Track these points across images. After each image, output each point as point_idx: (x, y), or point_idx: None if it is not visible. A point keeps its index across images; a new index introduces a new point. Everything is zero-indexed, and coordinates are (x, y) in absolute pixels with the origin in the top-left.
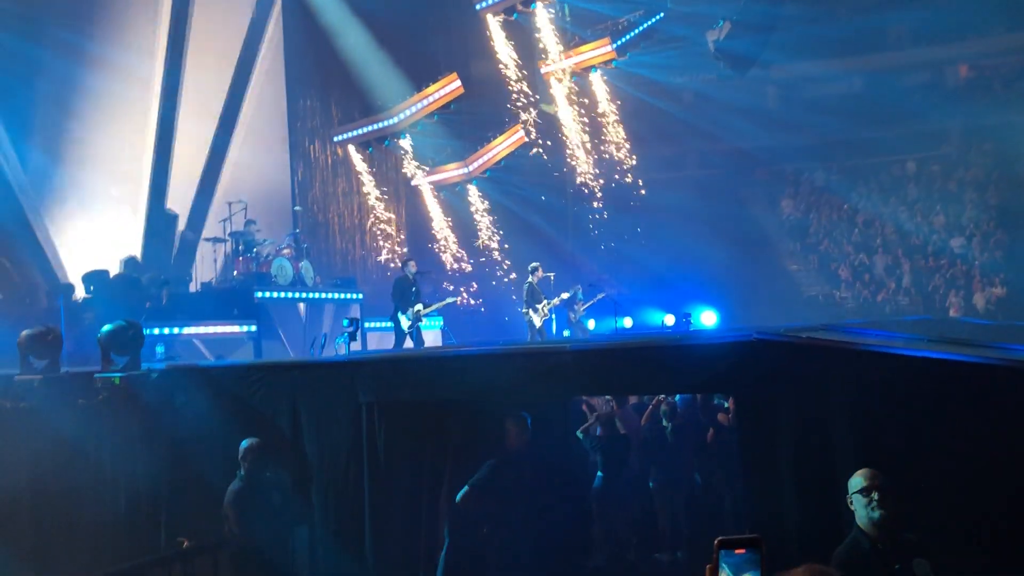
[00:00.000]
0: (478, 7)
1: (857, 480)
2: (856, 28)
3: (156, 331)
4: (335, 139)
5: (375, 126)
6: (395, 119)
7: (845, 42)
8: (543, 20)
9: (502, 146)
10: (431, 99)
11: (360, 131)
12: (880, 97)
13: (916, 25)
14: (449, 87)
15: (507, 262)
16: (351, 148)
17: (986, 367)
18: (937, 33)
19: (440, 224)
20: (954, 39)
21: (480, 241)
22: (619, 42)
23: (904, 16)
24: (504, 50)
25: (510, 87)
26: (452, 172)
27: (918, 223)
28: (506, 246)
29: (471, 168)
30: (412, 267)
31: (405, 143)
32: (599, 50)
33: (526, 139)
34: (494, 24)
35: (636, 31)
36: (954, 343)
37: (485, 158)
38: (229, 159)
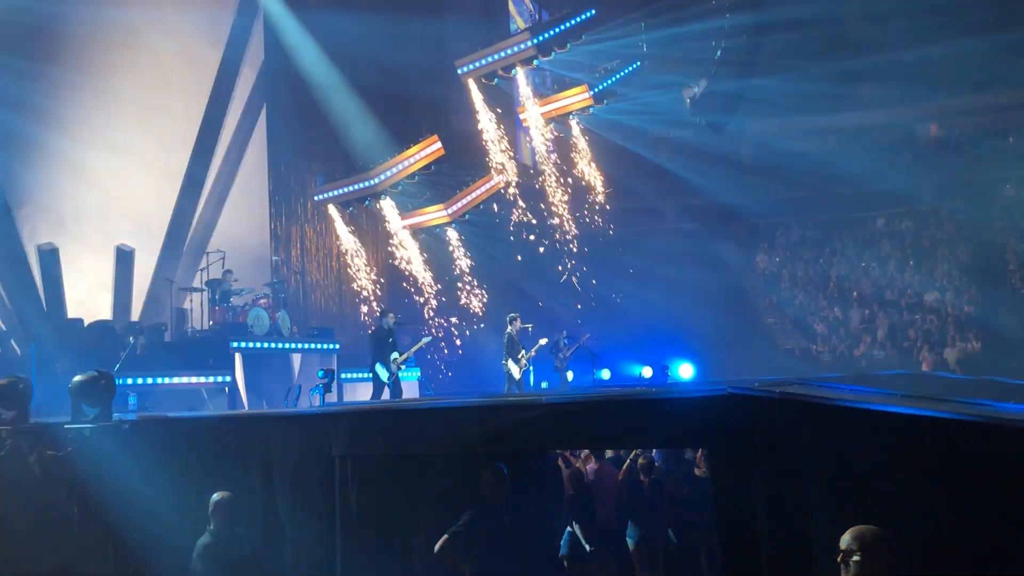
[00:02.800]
0: (460, 71)
1: (844, 539)
2: (830, 87)
3: (129, 381)
4: (315, 198)
5: (355, 187)
6: (375, 180)
7: (819, 100)
8: (523, 85)
9: (480, 190)
10: (412, 160)
11: (340, 191)
12: (853, 154)
13: (888, 85)
14: (430, 149)
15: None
16: (331, 207)
17: (960, 423)
18: (908, 93)
19: (420, 272)
20: (924, 99)
21: (459, 290)
22: (597, 89)
23: (876, 76)
24: (484, 112)
25: (489, 144)
26: (432, 215)
27: (892, 278)
28: (484, 295)
29: (451, 211)
30: (391, 319)
31: (386, 203)
32: (577, 96)
33: (503, 184)
34: (475, 88)
35: (613, 78)
36: (928, 399)
37: (464, 201)
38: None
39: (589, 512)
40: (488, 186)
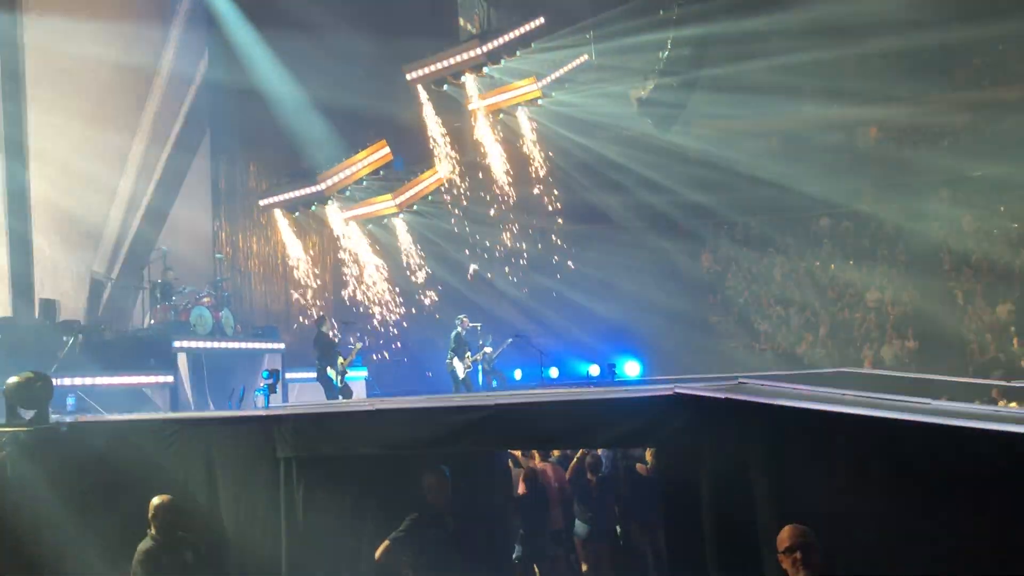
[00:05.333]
0: (409, 77)
1: (782, 538)
2: (773, 88)
3: (68, 382)
4: (261, 203)
5: (301, 192)
6: (322, 186)
7: (762, 102)
8: (473, 90)
9: (428, 181)
10: (359, 166)
11: (286, 196)
12: (795, 155)
13: (829, 87)
14: (378, 154)
15: (437, 315)
16: (277, 212)
17: (899, 423)
18: (848, 95)
19: (368, 271)
20: (864, 102)
21: (408, 288)
22: (544, 80)
23: (817, 78)
24: (432, 116)
25: (437, 145)
26: (379, 205)
27: (833, 277)
28: (433, 293)
29: (398, 201)
30: (325, 325)
31: (332, 207)
32: (525, 88)
33: (450, 177)
34: (424, 92)
35: (561, 71)
36: (868, 399)
37: (412, 192)
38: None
39: (542, 512)
40: (435, 178)
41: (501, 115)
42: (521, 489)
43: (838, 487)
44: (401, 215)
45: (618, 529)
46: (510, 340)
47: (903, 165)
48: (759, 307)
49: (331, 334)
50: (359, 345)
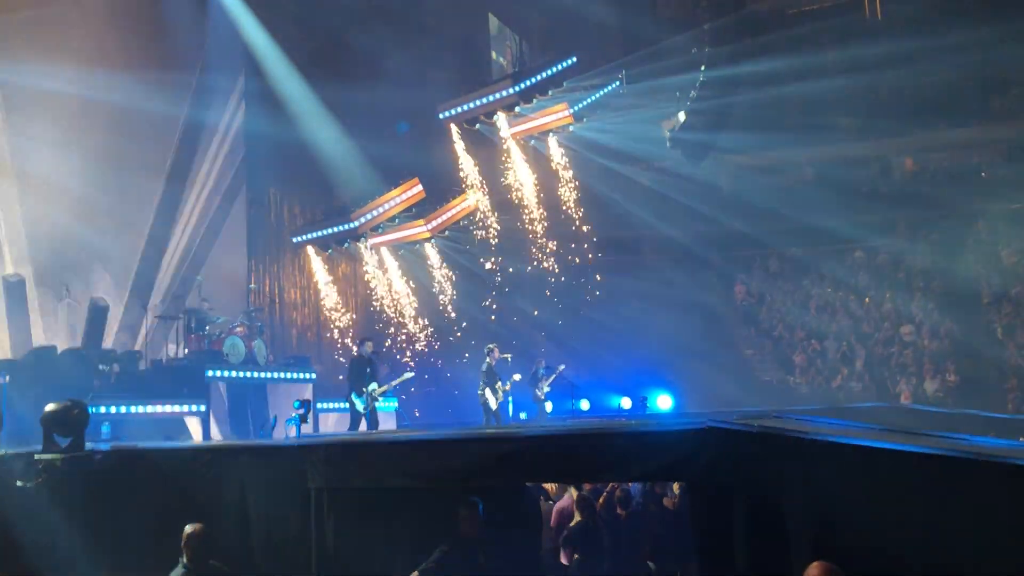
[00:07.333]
0: (441, 116)
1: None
2: (807, 120)
3: (103, 409)
4: (294, 239)
5: (334, 229)
6: (356, 223)
7: (796, 133)
8: (505, 129)
9: (459, 208)
10: (392, 203)
11: (319, 234)
12: (830, 187)
13: (863, 119)
14: (410, 192)
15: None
16: (309, 248)
17: (937, 458)
18: (884, 127)
19: (400, 299)
20: (900, 133)
21: (438, 318)
22: (576, 107)
23: (852, 109)
24: (466, 156)
25: (470, 177)
26: (412, 230)
27: (869, 310)
28: (462, 322)
29: (431, 226)
30: (368, 347)
31: (364, 245)
32: (556, 115)
33: (482, 204)
34: (456, 130)
35: (592, 97)
36: (906, 433)
37: (444, 217)
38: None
39: (597, 544)
40: (466, 204)
41: (532, 142)
42: (577, 517)
43: (874, 524)
44: (433, 240)
45: (651, 565)
46: (561, 367)
47: (939, 197)
48: (794, 340)
49: (367, 356)
50: (409, 374)
